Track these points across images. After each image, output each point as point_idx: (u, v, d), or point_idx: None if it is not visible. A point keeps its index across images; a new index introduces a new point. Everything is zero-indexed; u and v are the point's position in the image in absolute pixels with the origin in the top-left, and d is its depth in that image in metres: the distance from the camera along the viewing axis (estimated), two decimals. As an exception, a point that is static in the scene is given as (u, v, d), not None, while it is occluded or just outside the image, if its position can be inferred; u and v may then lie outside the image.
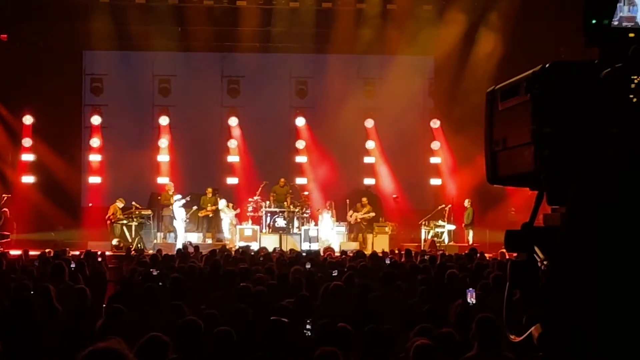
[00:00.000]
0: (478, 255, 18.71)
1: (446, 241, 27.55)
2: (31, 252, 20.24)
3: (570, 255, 2.32)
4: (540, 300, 2.43)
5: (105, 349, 3.65)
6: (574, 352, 2.26)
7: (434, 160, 31.17)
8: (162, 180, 29.71)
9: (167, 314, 9.63)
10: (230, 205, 28.26)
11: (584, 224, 2.31)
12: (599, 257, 2.24)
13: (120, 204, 27.37)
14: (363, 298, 11.12)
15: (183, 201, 27.35)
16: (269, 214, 27.96)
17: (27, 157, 29.56)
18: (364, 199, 28.96)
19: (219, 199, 28.30)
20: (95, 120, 30.39)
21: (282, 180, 28.73)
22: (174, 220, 27.35)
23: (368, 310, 9.68)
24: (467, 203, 28.07)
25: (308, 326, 8.87)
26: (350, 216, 28.43)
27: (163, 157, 30.31)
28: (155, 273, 14.28)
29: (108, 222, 27.22)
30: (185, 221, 27.54)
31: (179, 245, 25.07)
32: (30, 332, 8.07)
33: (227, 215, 27.87)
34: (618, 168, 2.31)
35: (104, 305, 11.06)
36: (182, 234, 27.21)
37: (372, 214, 28.60)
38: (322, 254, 22.11)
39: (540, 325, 2.43)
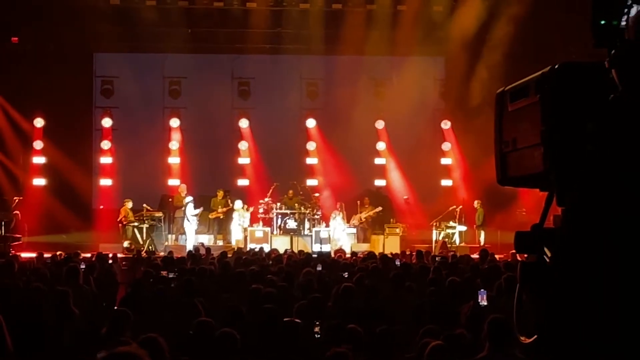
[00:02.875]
0: (489, 256, 18.66)
1: (457, 242, 27.47)
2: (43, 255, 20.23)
3: (568, 254, 2.32)
4: (548, 299, 2.43)
5: (125, 354, 3.63)
6: (575, 350, 2.26)
7: (445, 161, 31.10)
8: (173, 182, 29.73)
9: (178, 315, 9.64)
10: (245, 207, 28.15)
11: (581, 222, 2.31)
12: (597, 256, 2.23)
13: (129, 204, 27.39)
14: (373, 299, 11.11)
15: (191, 198, 27.39)
16: (279, 216, 27.95)
17: (38, 159, 29.59)
18: (365, 199, 29.00)
19: (229, 200, 28.28)
20: (106, 122, 30.43)
21: (291, 192, 28.64)
22: (186, 222, 27.32)
23: (378, 311, 9.67)
24: (476, 204, 28.03)
25: (317, 328, 8.86)
26: (354, 220, 28.41)
27: (174, 159, 30.31)
28: (167, 275, 14.28)
29: (120, 224, 27.26)
30: (196, 223, 27.51)
31: (190, 247, 25.10)
32: (41, 335, 8.06)
33: (241, 217, 27.70)
34: (597, 163, 2.32)
35: (115, 308, 11.08)
36: (193, 235, 27.22)
37: (378, 209, 28.55)
38: (333, 255, 22.08)
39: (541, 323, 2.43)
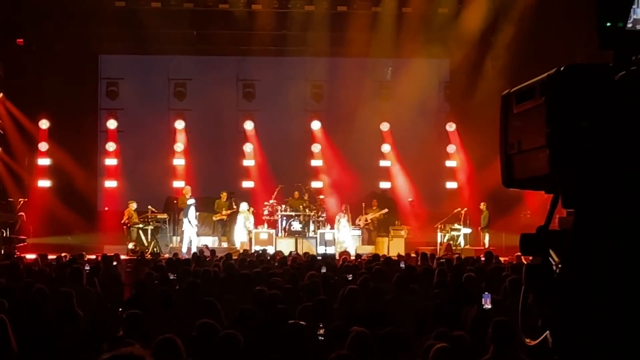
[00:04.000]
0: (494, 259, 18.62)
1: (462, 244, 27.44)
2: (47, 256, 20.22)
3: (577, 255, 2.31)
4: (554, 302, 2.43)
5: (128, 355, 3.62)
6: (580, 352, 2.26)
7: (450, 163, 31.10)
8: (178, 184, 29.74)
9: (183, 316, 9.65)
10: (251, 209, 28.14)
11: (590, 224, 2.30)
12: (606, 256, 2.23)
13: (133, 206, 27.38)
14: (376, 301, 11.10)
15: (193, 201, 27.33)
16: (284, 218, 27.92)
17: (43, 161, 29.63)
18: (374, 201, 29.05)
19: (234, 202, 28.27)
20: (111, 124, 30.46)
21: (296, 193, 28.65)
22: (186, 224, 27.15)
23: (381, 313, 9.66)
24: (482, 206, 28.00)
25: (321, 330, 8.85)
26: (359, 220, 28.45)
27: (179, 161, 30.35)
28: (171, 277, 14.29)
29: (124, 226, 27.25)
30: (196, 225, 27.44)
31: (184, 249, 25.25)
32: (44, 336, 8.07)
33: (246, 219, 27.66)
34: (593, 160, 2.32)
35: (120, 309, 11.08)
36: (195, 238, 27.13)
37: (384, 211, 28.58)
38: (337, 257, 22.08)
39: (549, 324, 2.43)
